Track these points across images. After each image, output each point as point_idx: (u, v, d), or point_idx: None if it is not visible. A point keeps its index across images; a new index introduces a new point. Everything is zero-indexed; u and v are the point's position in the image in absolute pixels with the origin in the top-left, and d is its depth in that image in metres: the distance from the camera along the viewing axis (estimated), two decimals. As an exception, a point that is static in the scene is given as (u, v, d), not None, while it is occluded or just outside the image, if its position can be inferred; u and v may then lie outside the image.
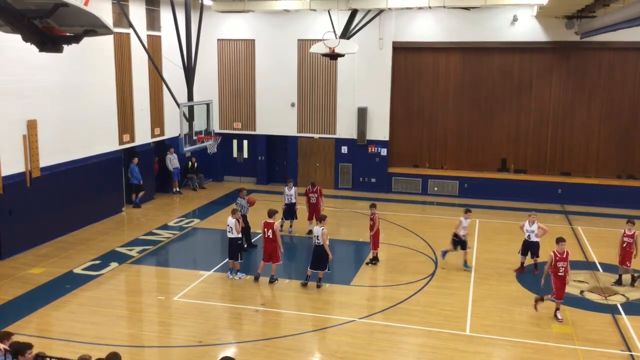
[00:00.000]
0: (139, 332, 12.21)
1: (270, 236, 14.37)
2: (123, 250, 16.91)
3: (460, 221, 15.51)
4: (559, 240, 12.73)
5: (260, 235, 15.00)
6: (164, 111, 23.04)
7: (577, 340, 11.78)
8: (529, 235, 15.19)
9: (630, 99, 22.64)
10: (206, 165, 25.56)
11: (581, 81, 22.96)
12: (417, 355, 11.33)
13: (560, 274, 12.51)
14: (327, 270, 14.32)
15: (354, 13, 20.36)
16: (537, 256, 15.29)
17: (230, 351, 11.27)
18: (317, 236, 14.20)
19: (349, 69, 23.92)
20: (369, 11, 21.45)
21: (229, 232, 14.73)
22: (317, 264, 14.25)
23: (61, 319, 12.54)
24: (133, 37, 19.39)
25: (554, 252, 12.60)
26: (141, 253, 16.72)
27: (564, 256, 12.54)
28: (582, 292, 14.18)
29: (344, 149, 24.75)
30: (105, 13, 18.83)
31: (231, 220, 14.76)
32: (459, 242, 15.58)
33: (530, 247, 15.26)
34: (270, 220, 14.46)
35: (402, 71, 24.31)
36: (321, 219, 14.73)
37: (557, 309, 12.74)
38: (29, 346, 7.96)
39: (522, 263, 15.48)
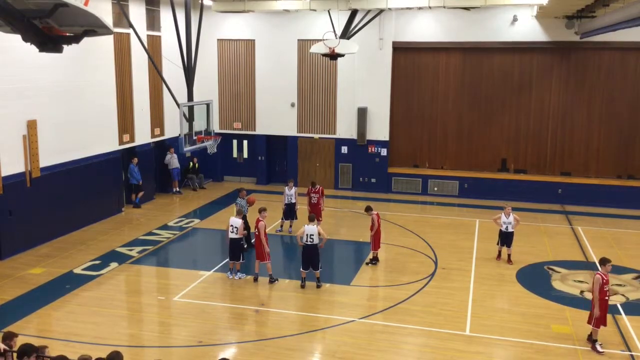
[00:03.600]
0: (139, 332, 12.21)
1: (257, 233, 14.43)
2: (123, 250, 16.90)
3: None
4: (606, 261, 11.45)
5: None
6: (164, 111, 23.04)
7: (577, 340, 11.77)
8: (506, 227, 16.01)
9: (630, 99, 22.64)
10: (206, 165, 25.54)
11: (581, 81, 22.96)
12: (417, 355, 11.32)
13: (607, 298, 11.29)
14: (320, 269, 14.27)
15: (354, 13, 20.36)
16: (511, 246, 16.13)
17: (230, 351, 11.28)
18: (312, 235, 14.15)
19: (349, 69, 23.92)
20: (369, 11, 21.45)
21: (232, 232, 14.70)
22: (308, 263, 14.22)
23: (61, 319, 12.54)
24: (133, 37, 19.38)
25: (600, 274, 11.31)
26: (141, 253, 16.71)
27: (608, 279, 11.36)
28: (582, 292, 14.18)
29: (344, 149, 24.74)
30: (105, 13, 18.83)
31: (237, 221, 14.76)
32: None
33: (507, 238, 16.06)
34: (258, 217, 14.52)
35: (402, 71, 24.31)
36: (311, 218, 14.65)
37: (595, 340, 11.40)
38: (36, 349, 7.96)
39: (500, 252, 16.36)
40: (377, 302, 13.78)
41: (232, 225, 14.72)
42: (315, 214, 17.88)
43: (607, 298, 11.35)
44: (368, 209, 15.99)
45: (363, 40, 22.14)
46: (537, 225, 19.65)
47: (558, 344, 11.62)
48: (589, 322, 11.51)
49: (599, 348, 11.34)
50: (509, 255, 16.11)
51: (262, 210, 14.74)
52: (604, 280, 11.30)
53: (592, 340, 11.48)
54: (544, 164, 23.77)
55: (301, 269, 14.38)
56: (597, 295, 11.27)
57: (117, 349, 8.09)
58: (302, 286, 14.30)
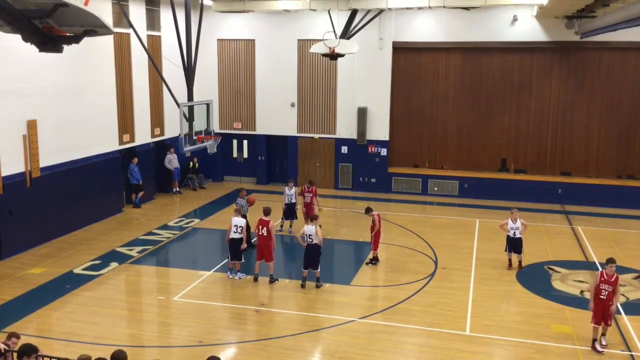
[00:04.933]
0: (139, 332, 12.21)
1: (265, 234, 14.38)
2: (123, 250, 16.90)
3: None
4: (608, 261, 11.42)
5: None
6: (164, 111, 23.04)
7: (577, 340, 11.77)
8: (514, 232, 15.44)
9: (630, 99, 22.65)
10: (206, 165, 25.54)
11: (581, 81, 22.96)
12: (417, 355, 11.33)
13: (602, 297, 11.28)
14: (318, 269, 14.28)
15: (354, 13, 20.37)
16: (521, 252, 15.58)
17: (230, 351, 11.29)
18: (310, 235, 14.16)
19: (349, 69, 23.92)
20: (369, 11, 21.46)
21: (236, 232, 14.64)
22: (310, 263, 14.23)
23: (61, 319, 12.54)
24: (133, 37, 19.38)
25: (601, 272, 11.48)
26: (141, 253, 16.72)
27: (611, 280, 11.27)
28: (582, 292, 14.18)
29: (344, 149, 24.74)
30: (105, 13, 18.83)
31: (242, 221, 14.74)
32: None
33: (515, 244, 15.50)
34: (266, 218, 14.48)
35: (402, 71, 24.31)
36: (313, 218, 14.71)
37: (594, 339, 11.43)
38: (36, 349, 7.98)
39: (510, 260, 15.73)
40: (377, 302, 13.78)
41: (235, 225, 14.68)
42: (309, 214, 18.05)
43: (601, 297, 11.31)
44: (368, 210, 15.96)
45: (363, 40, 22.14)
46: (537, 225, 19.62)
47: (558, 344, 11.62)
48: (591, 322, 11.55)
49: (597, 347, 11.34)
50: (519, 262, 15.61)
51: (270, 212, 14.73)
52: (602, 279, 11.35)
53: (593, 339, 11.49)
54: (544, 164, 23.77)
55: (302, 269, 14.41)
56: (591, 291, 11.53)
57: (117, 349, 8.08)
58: (302, 285, 14.30)
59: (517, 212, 15.74)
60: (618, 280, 11.39)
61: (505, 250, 15.74)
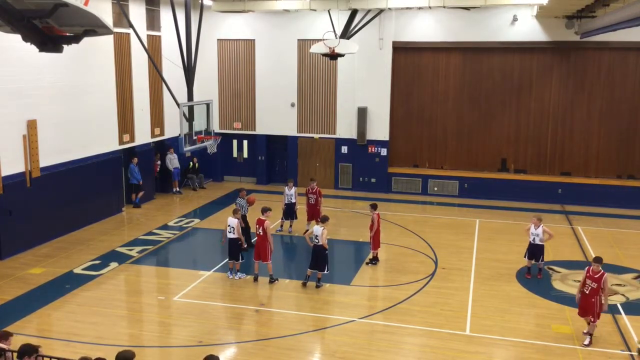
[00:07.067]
0: (139, 332, 12.21)
1: (261, 233, 14.38)
2: (123, 250, 16.90)
3: None
4: (595, 260, 11.68)
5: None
6: (164, 111, 23.04)
7: (577, 340, 11.78)
8: (533, 238, 14.80)
9: (630, 99, 22.64)
10: (206, 165, 25.55)
11: (581, 81, 22.96)
12: (417, 355, 11.32)
13: (586, 291, 11.56)
14: (325, 272, 14.30)
15: (354, 13, 20.36)
16: (542, 260, 14.94)
17: (230, 351, 11.29)
18: (317, 235, 14.21)
19: (349, 69, 23.92)
20: (369, 11, 21.46)
21: (230, 232, 14.71)
22: (316, 263, 14.26)
23: (61, 319, 12.54)
24: (133, 37, 19.39)
25: (588, 268, 11.72)
26: (141, 253, 16.72)
27: (596, 276, 11.45)
28: (582, 292, 14.17)
29: (344, 149, 24.75)
30: (105, 13, 18.83)
31: (234, 221, 14.74)
32: None
33: (533, 251, 14.88)
34: (262, 217, 14.48)
35: (402, 71, 24.31)
36: (323, 219, 14.71)
37: (589, 333, 11.69)
38: (36, 349, 7.99)
39: (529, 268, 15.11)
40: (377, 302, 13.78)
41: (229, 225, 14.72)
42: (314, 215, 18.05)
43: (585, 291, 11.58)
44: (373, 207, 15.93)
45: (363, 40, 22.14)
46: (537, 225, 19.63)
47: (558, 344, 11.63)
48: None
49: (585, 341, 11.63)
50: (528, 269, 15.05)
51: (266, 210, 14.74)
52: (587, 275, 11.61)
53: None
54: (544, 164, 23.77)
55: (308, 267, 14.42)
56: (580, 285, 11.86)
57: (117, 349, 8.08)
58: (304, 284, 14.32)
59: (536, 218, 15.01)
60: (602, 279, 11.41)
61: (525, 256, 15.08)
